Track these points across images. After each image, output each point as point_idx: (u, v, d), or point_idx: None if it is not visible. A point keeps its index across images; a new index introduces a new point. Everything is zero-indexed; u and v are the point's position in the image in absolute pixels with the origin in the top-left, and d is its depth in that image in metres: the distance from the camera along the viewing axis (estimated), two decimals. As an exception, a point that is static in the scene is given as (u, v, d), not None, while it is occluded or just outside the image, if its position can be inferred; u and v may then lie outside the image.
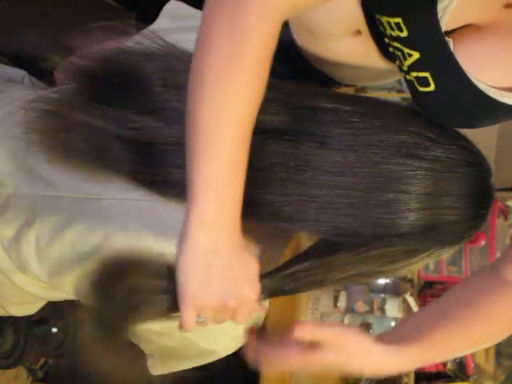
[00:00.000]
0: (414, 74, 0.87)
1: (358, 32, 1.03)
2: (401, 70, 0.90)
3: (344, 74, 1.11)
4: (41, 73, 1.18)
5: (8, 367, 1.76)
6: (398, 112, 0.92)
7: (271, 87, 0.83)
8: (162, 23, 1.03)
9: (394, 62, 0.91)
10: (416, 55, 0.85)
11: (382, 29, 0.88)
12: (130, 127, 0.90)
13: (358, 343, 0.90)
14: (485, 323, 0.98)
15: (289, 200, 0.88)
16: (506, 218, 2.37)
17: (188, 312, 0.81)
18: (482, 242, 2.23)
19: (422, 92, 0.88)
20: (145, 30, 1.04)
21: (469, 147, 0.92)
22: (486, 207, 0.93)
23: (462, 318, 0.97)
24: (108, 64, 0.92)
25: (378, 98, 0.94)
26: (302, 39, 1.08)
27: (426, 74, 0.86)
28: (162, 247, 0.90)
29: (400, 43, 0.86)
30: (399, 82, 2.21)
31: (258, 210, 0.89)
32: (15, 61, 1.26)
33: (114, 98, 0.91)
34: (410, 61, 0.86)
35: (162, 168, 0.89)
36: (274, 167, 0.88)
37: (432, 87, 0.87)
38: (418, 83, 0.88)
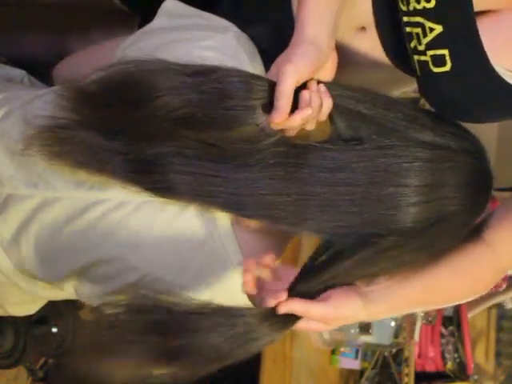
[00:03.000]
0: (432, 52, 0.88)
1: (363, 28, 1.04)
2: (415, 52, 0.90)
3: (346, 76, 1.11)
4: (40, 73, 1.18)
5: (8, 367, 1.76)
6: (390, 101, 0.92)
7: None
8: (160, 22, 1.03)
9: (404, 54, 0.91)
10: (438, 29, 0.86)
11: (403, 6, 0.89)
12: (128, 144, 0.90)
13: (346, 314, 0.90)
14: (451, 277, 0.97)
15: (289, 199, 0.88)
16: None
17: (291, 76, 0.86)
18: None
19: (435, 73, 0.88)
20: (142, 29, 1.04)
21: (464, 134, 0.92)
22: (486, 193, 0.93)
23: (432, 275, 0.96)
24: (103, 87, 0.90)
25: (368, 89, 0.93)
26: None
27: (445, 52, 0.87)
28: None
29: (423, 17, 0.87)
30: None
31: (260, 212, 0.90)
32: (15, 61, 1.26)
33: (110, 121, 0.90)
34: (430, 37, 0.87)
35: (162, 175, 0.90)
36: (272, 167, 0.88)
37: (448, 67, 0.87)
38: (433, 63, 0.88)
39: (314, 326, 0.90)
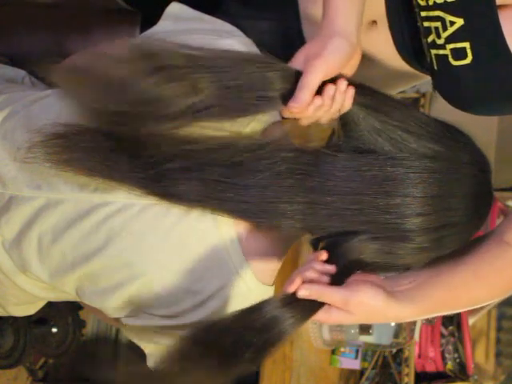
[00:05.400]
0: (452, 45, 0.88)
1: (374, 22, 1.03)
2: (434, 46, 0.90)
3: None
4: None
5: (8, 367, 1.76)
6: (400, 109, 0.92)
7: None
8: (165, 25, 1.03)
9: (417, 48, 0.91)
10: (459, 22, 0.86)
11: (421, 1, 0.89)
12: (138, 147, 0.90)
13: (368, 306, 0.87)
14: (474, 278, 0.95)
15: (298, 208, 0.88)
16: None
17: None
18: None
19: (455, 66, 0.88)
20: (146, 32, 1.04)
21: (472, 145, 0.93)
22: (488, 204, 0.94)
23: (455, 275, 0.94)
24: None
25: (380, 92, 0.93)
26: (311, 30, 1.07)
27: (465, 45, 0.87)
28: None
29: (443, 10, 0.87)
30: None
31: (268, 220, 0.90)
32: (16, 61, 1.26)
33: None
34: (450, 30, 0.87)
35: (172, 181, 0.89)
36: (282, 174, 0.88)
37: (469, 59, 0.87)
38: (453, 56, 0.88)
39: (336, 316, 0.86)
